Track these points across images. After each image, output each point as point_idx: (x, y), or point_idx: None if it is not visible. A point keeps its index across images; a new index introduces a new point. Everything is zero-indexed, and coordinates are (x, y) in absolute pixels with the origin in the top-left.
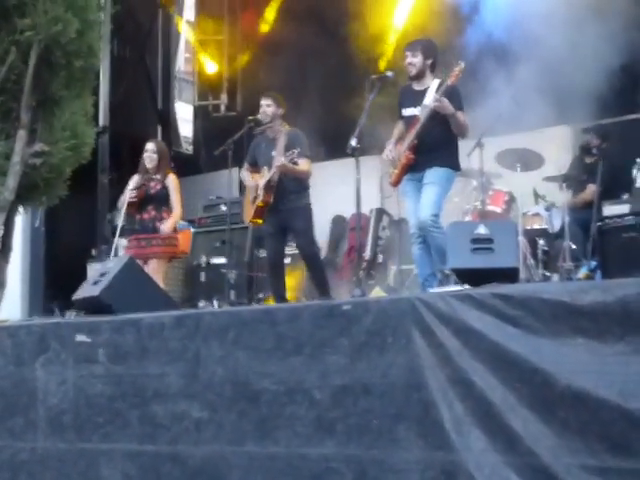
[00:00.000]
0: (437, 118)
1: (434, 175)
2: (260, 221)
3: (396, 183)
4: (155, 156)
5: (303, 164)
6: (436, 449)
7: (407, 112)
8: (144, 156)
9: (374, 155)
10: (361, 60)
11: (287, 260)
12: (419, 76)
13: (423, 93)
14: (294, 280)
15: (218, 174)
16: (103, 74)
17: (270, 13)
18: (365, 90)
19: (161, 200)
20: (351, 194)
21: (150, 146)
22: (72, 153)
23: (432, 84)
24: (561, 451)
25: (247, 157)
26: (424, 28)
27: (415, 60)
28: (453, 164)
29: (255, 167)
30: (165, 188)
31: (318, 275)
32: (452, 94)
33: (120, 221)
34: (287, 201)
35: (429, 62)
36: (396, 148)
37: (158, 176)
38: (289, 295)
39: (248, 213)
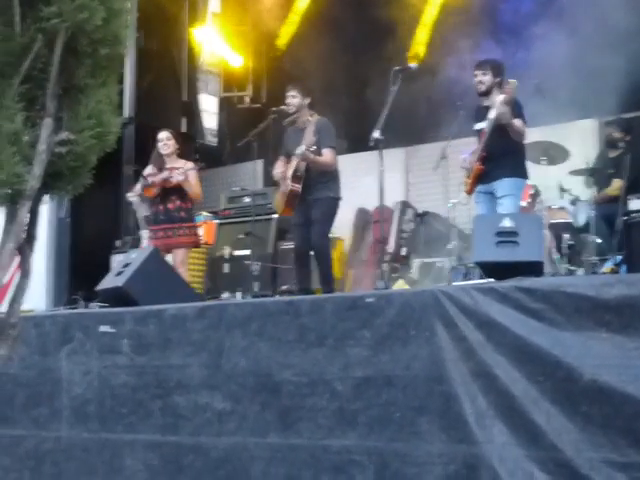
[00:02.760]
0: (500, 129)
1: (505, 188)
2: (291, 212)
3: (470, 192)
4: (171, 142)
5: (326, 154)
6: (458, 442)
7: (477, 126)
8: (158, 146)
9: (398, 147)
10: (388, 52)
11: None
12: (487, 93)
13: (489, 108)
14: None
15: (242, 166)
16: (129, 64)
17: (297, 4)
18: (389, 82)
19: (183, 188)
20: (375, 187)
21: (164, 134)
22: (97, 141)
23: (497, 99)
24: (584, 445)
25: (281, 150)
26: (451, 23)
27: (485, 78)
28: (520, 173)
29: (288, 158)
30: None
31: (324, 269)
32: (510, 104)
33: (144, 212)
34: (313, 191)
35: (497, 80)
36: (470, 159)
37: (179, 165)
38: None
39: (279, 205)
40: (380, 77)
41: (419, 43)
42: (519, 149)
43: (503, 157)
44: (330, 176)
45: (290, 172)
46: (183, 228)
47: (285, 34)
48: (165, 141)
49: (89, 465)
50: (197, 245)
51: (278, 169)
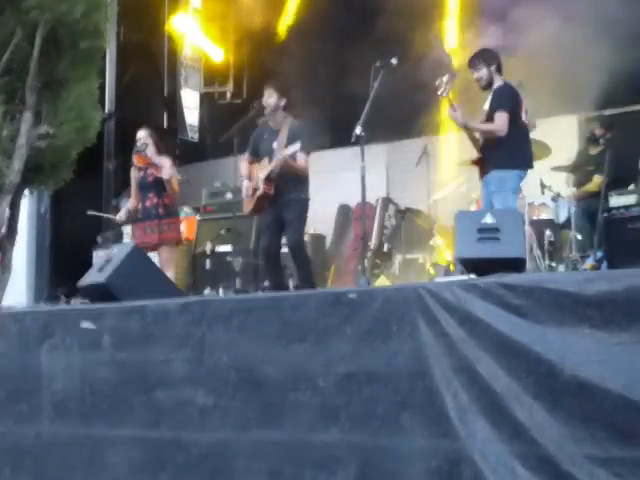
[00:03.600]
0: (490, 118)
1: (493, 183)
2: (259, 213)
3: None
4: (150, 140)
5: (301, 160)
6: (440, 438)
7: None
8: (138, 145)
9: (380, 143)
10: (369, 47)
11: (284, 250)
12: (490, 84)
13: None
14: None
15: (223, 161)
16: (109, 58)
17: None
18: (370, 78)
19: (161, 186)
20: (357, 182)
21: (142, 133)
22: (77, 136)
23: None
24: (566, 441)
25: (249, 147)
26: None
27: (481, 73)
28: (509, 164)
29: (256, 157)
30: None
31: (303, 269)
32: (495, 94)
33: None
34: (285, 193)
35: (494, 67)
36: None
37: (157, 161)
38: None
39: (248, 205)
40: (363, 72)
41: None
42: (509, 139)
43: (493, 148)
44: (301, 178)
45: (263, 174)
46: (162, 225)
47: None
48: (143, 139)
49: (70, 461)
50: (181, 241)
51: (244, 169)
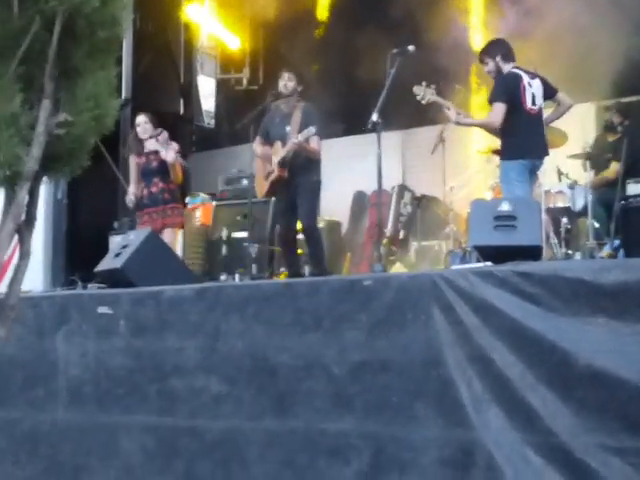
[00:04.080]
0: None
1: (501, 173)
2: (273, 196)
3: None
4: (149, 126)
5: (314, 143)
6: (454, 426)
7: None
8: (137, 130)
9: (396, 130)
10: (385, 32)
11: (301, 236)
12: (500, 74)
13: None
14: None
15: (239, 148)
16: (126, 46)
17: None
18: (386, 64)
19: (166, 171)
20: (372, 170)
21: (141, 118)
22: (95, 123)
23: None
24: (579, 430)
25: (259, 130)
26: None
27: (489, 67)
28: (511, 154)
29: (267, 141)
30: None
31: (315, 251)
32: (493, 86)
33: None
34: (297, 176)
35: (499, 57)
36: None
37: (157, 145)
38: None
39: (261, 188)
40: (379, 58)
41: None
42: (512, 128)
43: (501, 138)
44: (313, 161)
45: (277, 158)
46: (167, 210)
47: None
48: (143, 125)
49: (85, 447)
50: (182, 226)
51: (259, 149)
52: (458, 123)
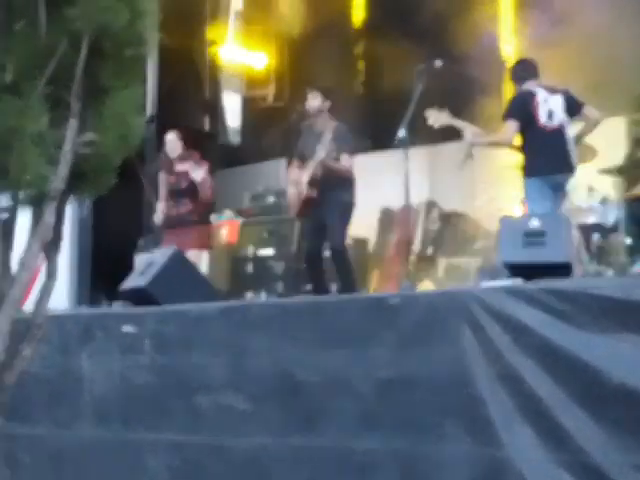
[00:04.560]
0: None
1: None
2: (303, 216)
3: None
4: (179, 144)
5: (344, 161)
6: (485, 445)
7: None
8: (166, 149)
9: (423, 146)
10: (413, 46)
11: (327, 253)
12: None
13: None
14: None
15: (265, 165)
16: (151, 63)
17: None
18: (413, 80)
19: (195, 191)
20: (399, 186)
21: (171, 136)
22: (121, 142)
23: None
24: (613, 450)
25: (295, 153)
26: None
27: (515, 89)
28: (526, 171)
29: (304, 161)
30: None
31: (343, 274)
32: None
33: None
34: (329, 195)
35: (514, 81)
36: None
37: (187, 166)
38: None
39: (293, 208)
40: (406, 72)
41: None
42: (526, 145)
43: (523, 156)
44: (346, 181)
45: (306, 177)
46: (194, 232)
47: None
48: (171, 143)
49: (111, 465)
50: (208, 247)
51: (292, 174)
52: (473, 144)
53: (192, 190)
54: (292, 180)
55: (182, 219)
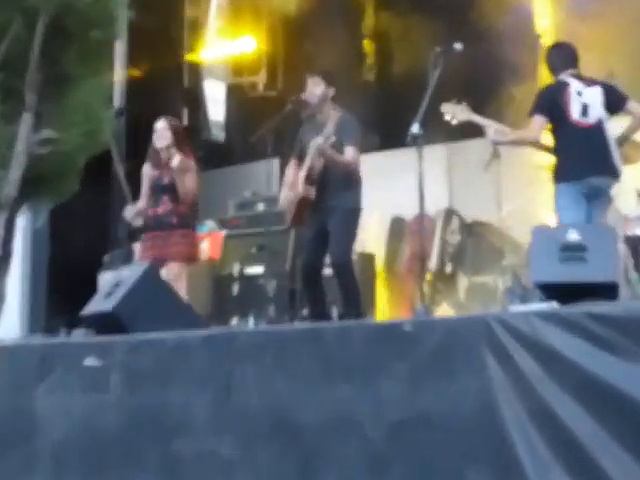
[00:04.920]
0: None
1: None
2: (301, 222)
3: None
4: (168, 133)
5: (348, 152)
6: None
7: None
8: (154, 137)
9: (441, 144)
10: (428, 27)
11: (328, 271)
12: None
13: None
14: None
15: (255, 166)
16: (121, 47)
17: None
18: (429, 66)
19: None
20: (413, 191)
21: (160, 124)
22: (86, 140)
23: None
24: None
25: (294, 150)
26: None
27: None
28: (556, 175)
29: (303, 160)
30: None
31: (347, 290)
32: None
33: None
34: (330, 198)
35: (549, 68)
36: None
37: (174, 160)
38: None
39: (288, 215)
40: (420, 58)
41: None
42: (556, 145)
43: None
44: (352, 181)
45: (303, 173)
46: (175, 236)
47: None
48: (161, 132)
49: None
50: (193, 259)
51: (289, 176)
52: (496, 143)
53: (174, 187)
54: (288, 182)
55: (159, 221)
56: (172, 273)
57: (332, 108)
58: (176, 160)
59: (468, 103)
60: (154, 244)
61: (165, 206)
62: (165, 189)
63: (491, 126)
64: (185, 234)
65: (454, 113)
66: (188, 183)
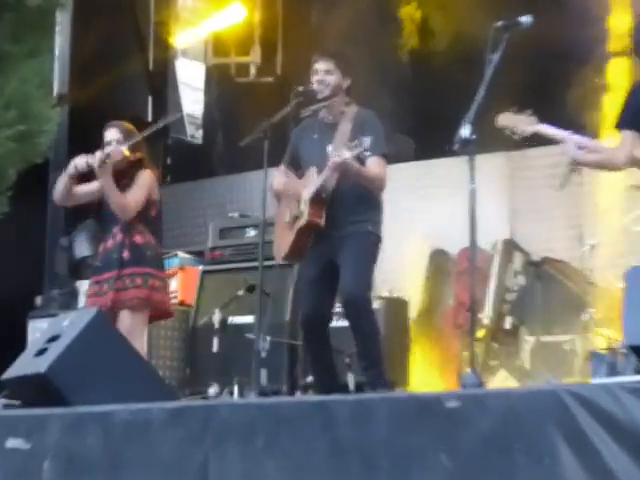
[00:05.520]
0: None
1: None
2: (300, 258)
3: None
4: (123, 148)
5: (374, 165)
6: None
7: None
8: (105, 152)
9: (499, 152)
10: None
11: (339, 322)
12: None
13: None
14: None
15: (242, 178)
16: (62, 18)
17: None
18: (485, 48)
19: (136, 215)
20: (460, 215)
21: (111, 134)
22: (20, 146)
23: None
24: None
25: (286, 154)
26: None
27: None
28: None
29: (297, 170)
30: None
31: (366, 346)
32: None
33: (84, 250)
34: (343, 223)
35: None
36: None
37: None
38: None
39: (281, 245)
40: (471, 37)
41: None
42: None
43: None
44: (371, 201)
45: (309, 192)
46: (125, 277)
47: None
48: (115, 145)
49: None
50: (156, 307)
51: (279, 181)
52: (578, 162)
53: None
54: (281, 195)
55: (107, 258)
56: (123, 326)
57: (346, 103)
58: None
59: (534, 110)
60: (101, 290)
61: (114, 238)
62: (114, 215)
63: (570, 139)
64: (138, 273)
65: (515, 126)
66: (129, 195)
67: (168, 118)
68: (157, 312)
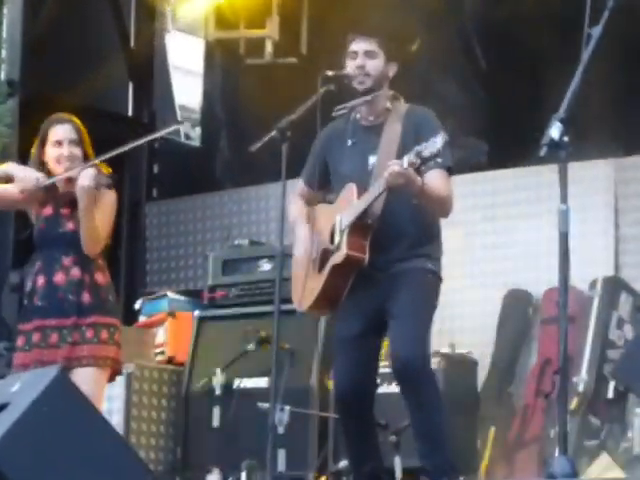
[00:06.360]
0: None
1: None
2: (332, 309)
3: None
4: (76, 150)
5: (438, 180)
6: None
7: None
8: (55, 157)
9: (600, 159)
10: None
11: (383, 388)
12: None
13: None
14: None
15: (255, 193)
16: None
17: None
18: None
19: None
20: (546, 243)
21: (63, 132)
22: None
23: None
24: None
25: (306, 166)
26: None
27: None
28: None
29: (324, 188)
30: None
31: (425, 415)
32: None
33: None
34: (393, 260)
35: None
36: None
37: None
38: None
39: (304, 292)
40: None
41: None
42: None
43: None
44: (429, 230)
45: (348, 218)
46: (82, 328)
47: None
48: (68, 147)
49: None
50: (114, 361)
51: (296, 206)
52: None
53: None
54: (298, 219)
55: (56, 300)
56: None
57: (391, 97)
58: (85, 179)
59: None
60: (46, 343)
61: (66, 271)
62: (67, 241)
63: None
64: (102, 324)
65: None
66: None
67: (162, 130)
68: (113, 372)
